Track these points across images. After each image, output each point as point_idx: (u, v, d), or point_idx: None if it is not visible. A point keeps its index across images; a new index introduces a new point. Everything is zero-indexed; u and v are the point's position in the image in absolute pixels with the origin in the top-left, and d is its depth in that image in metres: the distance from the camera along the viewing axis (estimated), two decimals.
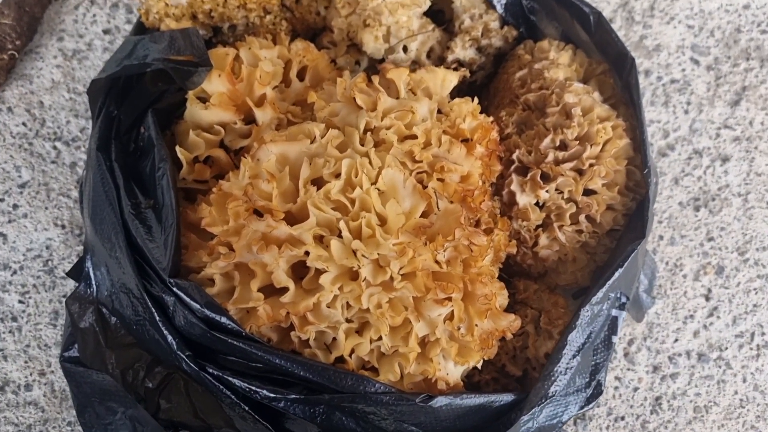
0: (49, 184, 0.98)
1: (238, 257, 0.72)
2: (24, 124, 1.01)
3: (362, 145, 0.76)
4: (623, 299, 0.82)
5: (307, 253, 0.70)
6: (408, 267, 0.70)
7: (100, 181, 0.79)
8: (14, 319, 0.93)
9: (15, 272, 0.95)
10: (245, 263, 0.72)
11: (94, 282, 0.80)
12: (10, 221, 0.97)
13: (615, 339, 0.82)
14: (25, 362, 0.91)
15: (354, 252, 0.70)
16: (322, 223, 0.71)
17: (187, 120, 0.84)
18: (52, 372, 0.91)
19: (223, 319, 0.71)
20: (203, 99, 0.84)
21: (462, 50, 0.92)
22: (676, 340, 0.96)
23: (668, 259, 0.99)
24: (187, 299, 0.71)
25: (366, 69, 0.97)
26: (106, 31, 1.07)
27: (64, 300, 0.94)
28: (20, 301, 0.93)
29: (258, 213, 0.73)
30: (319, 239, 0.72)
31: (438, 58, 0.95)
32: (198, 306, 0.71)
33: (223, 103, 0.81)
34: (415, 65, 0.93)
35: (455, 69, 0.92)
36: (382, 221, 0.72)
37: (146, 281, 0.74)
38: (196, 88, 0.82)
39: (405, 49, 0.92)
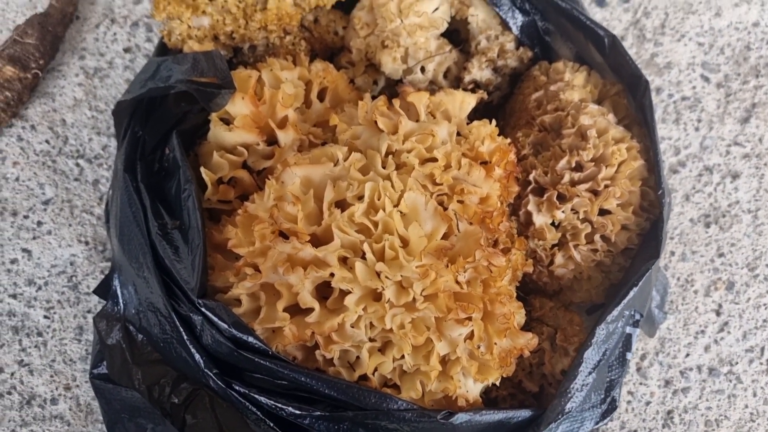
0: (72, 201, 1.00)
1: (264, 278, 0.74)
2: (47, 141, 1.03)
3: (384, 167, 0.78)
4: (637, 316, 0.83)
5: (332, 275, 0.72)
6: (430, 288, 0.72)
7: (127, 201, 0.81)
8: (39, 334, 0.95)
9: (40, 288, 0.97)
10: (271, 284, 0.74)
11: (121, 300, 0.82)
12: (34, 238, 0.99)
13: (629, 355, 0.83)
14: (51, 376, 0.93)
15: (378, 274, 0.72)
16: (346, 245, 0.73)
17: (211, 141, 0.86)
18: (77, 386, 0.93)
19: (250, 339, 0.72)
20: (226, 120, 0.86)
21: (479, 71, 0.94)
22: (688, 355, 0.98)
23: (679, 275, 1.01)
24: (215, 319, 0.73)
25: (383, 88, 0.99)
26: (126, 50, 1.09)
27: (88, 315, 0.96)
28: (45, 317, 0.95)
29: (283, 235, 0.75)
30: (344, 261, 0.73)
31: (455, 78, 0.97)
32: (225, 326, 0.73)
33: (247, 125, 0.83)
34: (432, 85, 0.95)
35: (472, 90, 0.94)
36: (405, 243, 0.74)
37: (174, 301, 0.76)
38: (220, 110, 0.83)
39: (422, 69, 0.94)
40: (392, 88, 0.98)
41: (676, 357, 0.98)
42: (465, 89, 0.94)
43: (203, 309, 0.73)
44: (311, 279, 0.73)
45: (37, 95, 1.05)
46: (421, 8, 0.91)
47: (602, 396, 0.81)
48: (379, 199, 0.75)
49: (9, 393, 0.92)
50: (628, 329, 0.83)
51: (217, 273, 0.77)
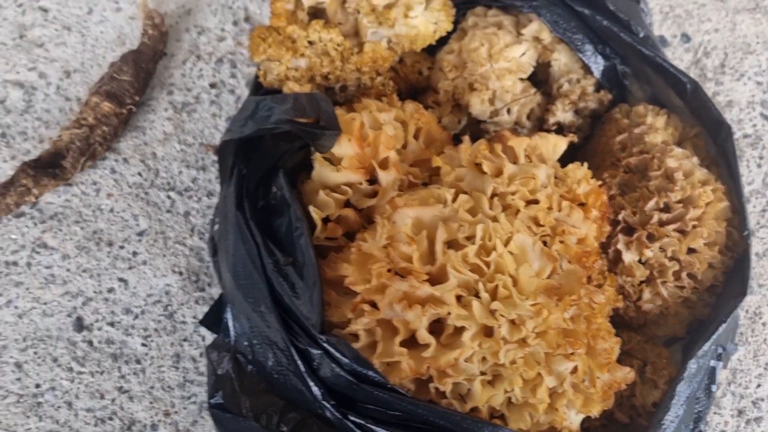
0: (165, 232, 1.04)
1: (381, 314, 0.78)
2: (139, 174, 1.07)
3: (490, 209, 0.82)
4: (720, 350, 0.88)
5: (448, 312, 0.76)
6: (542, 326, 0.76)
7: (240, 239, 0.84)
8: (138, 361, 0.98)
9: (137, 316, 1.00)
10: (388, 320, 0.78)
11: (233, 332, 0.86)
12: (130, 267, 1.02)
13: (714, 388, 0.88)
14: (150, 403, 0.97)
15: (492, 312, 0.76)
16: (461, 284, 0.77)
17: (315, 180, 0.90)
18: (176, 412, 0.96)
19: (370, 372, 0.76)
20: (328, 159, 0.90)
21: (562, 113, 0.98)
22: (759, 386, 1.02)
23: (748, 307, 1.05)
24: (336, 353, 0.77)
25: (465, 126, 1.03)
26: (212, 85, 1.13)
27: (184, 344, 0.99)
28: (143, 344, 0.99)
29: (397, 272, 0.79)
30: (458, 299, 0.77)
31: (537, 119, 1.01)
32: (346, 360, 0.76)
33: (353, 166, 0.87)
34: (516, 126, 1.00)
35: (556, 131, 0.99)
36: (515, 282, 0.78)
37: (291, 335, 0.80)
38: (327, 151, 0.88)
39: (508, 111, 0.99)
40: (473, 126, 1.03)
41: (747, 387, 1.02)
42: (548, 130, 0.99)
43: (325, 344, 0.77)
44: (428, 316, 0.77)
45: (129, 129, 1.09)
46: (510, 54, 0.96)
47: (691, 428, 0.85)
48: (489, 241, 0.79)
49: (110, 419, 0.96)
50: (712, 363, 0.87)
51: (333, 309, 0.81)
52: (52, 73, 1.12)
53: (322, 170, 0.89)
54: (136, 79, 1.07)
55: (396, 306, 0.77)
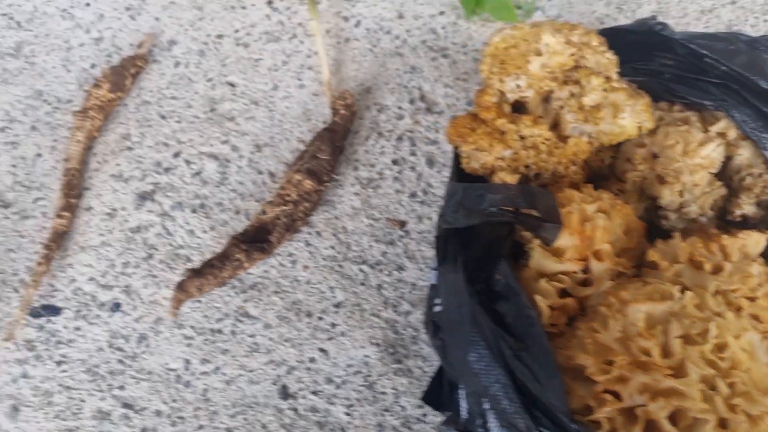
0: (360, 304, 1.10)
1: (623, 404, 0.84)
2: (332, 247, 1.13)
3: (714, 306, 0.89)
4: None
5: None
6: None
7: (474, 326, 0.90)
8: (343, 429, 1.04)
9: (338, 386, 1.06)
10: (628, 409, 0.84)
11: (464, 411, 0.92)
12: (330, 338, 1.08)
13: None
14: None
15: (732, 407, 0.82)
16: (700, 378, 0.83)
17: (533, 268, 0.96)
18: None
19: None
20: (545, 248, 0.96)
21: (748, 206, 1.05)
22: None
23: None
24: None
25: (642, 213, 1.10)
26: (394, 162, 1.20)
27: (386, 414, 1.05)
28: (346, 413, 1.04)
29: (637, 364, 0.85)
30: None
31: (719, 210, 1.08)
32: None
33: (574, 258, 0.94)
34: (700, 216, 1.07)
35: (741, 224, 1.05)
36: (750, 378, 0.84)
37: (533, 419, 0.85)
38: (552, 244, 0.94)
39: (694, 202, 1.05)
40: (650, 212, 1.10)
41: None
42: (732, 221, 1.06)
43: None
44: (669, 408, 0.83)
45: (320, 203, 1.16)
46: (704, 151, 1.03)
47: None
48: (722, 338, 0.85)
49: None
50: None
51: (569, 395, 0.87)
52: (243, 146, 1.19)
53: (543, 260, 0.95)
54: (333, 157, 1.14)
55: (638, 397, 0.83)
